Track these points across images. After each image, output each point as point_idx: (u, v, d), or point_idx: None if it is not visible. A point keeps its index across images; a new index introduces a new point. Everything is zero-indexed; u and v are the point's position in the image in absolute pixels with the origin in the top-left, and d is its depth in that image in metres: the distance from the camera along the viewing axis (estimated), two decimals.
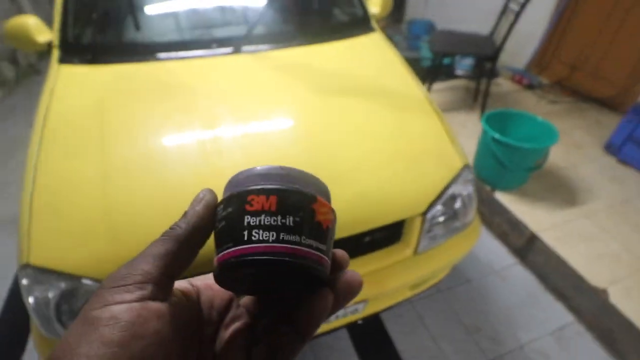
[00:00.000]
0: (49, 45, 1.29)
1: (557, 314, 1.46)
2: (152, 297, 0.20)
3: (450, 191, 1.02)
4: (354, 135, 1.05)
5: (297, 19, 1.46)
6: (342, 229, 0.89)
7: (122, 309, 0.18)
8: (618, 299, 1.43)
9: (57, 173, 0.88)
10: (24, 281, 0.76)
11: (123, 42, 1.28)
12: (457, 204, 1.05)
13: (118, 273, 0.20)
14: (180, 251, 0.22)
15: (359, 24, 1.47)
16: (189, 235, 0.22)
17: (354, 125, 1.08)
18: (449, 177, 1.03)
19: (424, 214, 0.98)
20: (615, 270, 1.54)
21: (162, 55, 1.21)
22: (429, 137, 1.11)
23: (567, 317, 1.45)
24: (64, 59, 1.20)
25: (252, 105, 1.10)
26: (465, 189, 1.07)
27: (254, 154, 0.96)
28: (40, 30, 1.31)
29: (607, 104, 2.58)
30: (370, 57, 1.35)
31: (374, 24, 1.51)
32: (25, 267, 0.76)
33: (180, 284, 0.24)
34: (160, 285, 0.20)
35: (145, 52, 1.22)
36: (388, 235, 1.03)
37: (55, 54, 1.22)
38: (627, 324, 1.36)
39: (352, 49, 1.36)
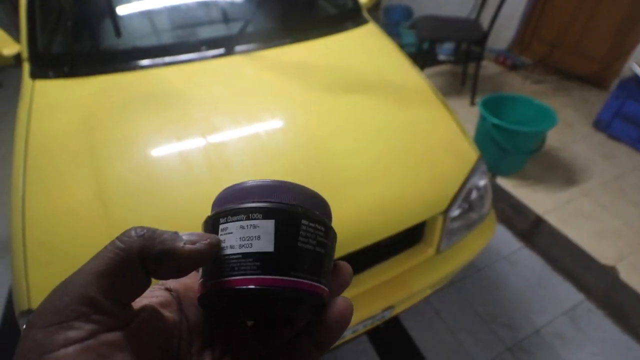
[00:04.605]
0: (16, 59, 1.17)
1: (568, 293, 1.47)
2: (107, 329, 0.15)
3: (468, 185, 0.99)
4: (366, 136, 1.00)
5: (290, 14, 1.38)
6: (363, 238, 0.84)
7: (74, 353, 0.14)
8: (626, 275, 1.45)
9: (49, 204, 0.78)
10: None
11: (102, 50, 1.16)
12: (473, 196, 1.03)
13: (51, 304, 0.15)
14: (129, 269, 0.16)
15: (353, 16, 1.40)
16: (152, 253, 0.17)
17: (364, 125, 1.02)
18: (465, 171, 1.00)
19: (445, 212, 0.95)
20: (619, 247, 1.57)
21: (147, 62, 1.11)
22: (441, 130, 1.07)
23: (578, 296, 1.46)
24: (37, 74, 1.08)
25: (252, 109, 1.02)
26: (481, 180, 1.04)
27: (263, 164, 0.89)
28: (4, 42, 1.18)
29: (590, 80, 2.62)
30: (369, 50, 1.29)
31: (365, 15, 1.44)
32: (27, 314, 0.68)
33: (153, 293, 0.20)
34: (109, 312, 0.16)
35: (128, 59, 1.11)
36: (409, 236, 0.99)
37: (26, 68, 1.10)
38: (636, 298, 1.38)
39: (349, 42, 1.30)
